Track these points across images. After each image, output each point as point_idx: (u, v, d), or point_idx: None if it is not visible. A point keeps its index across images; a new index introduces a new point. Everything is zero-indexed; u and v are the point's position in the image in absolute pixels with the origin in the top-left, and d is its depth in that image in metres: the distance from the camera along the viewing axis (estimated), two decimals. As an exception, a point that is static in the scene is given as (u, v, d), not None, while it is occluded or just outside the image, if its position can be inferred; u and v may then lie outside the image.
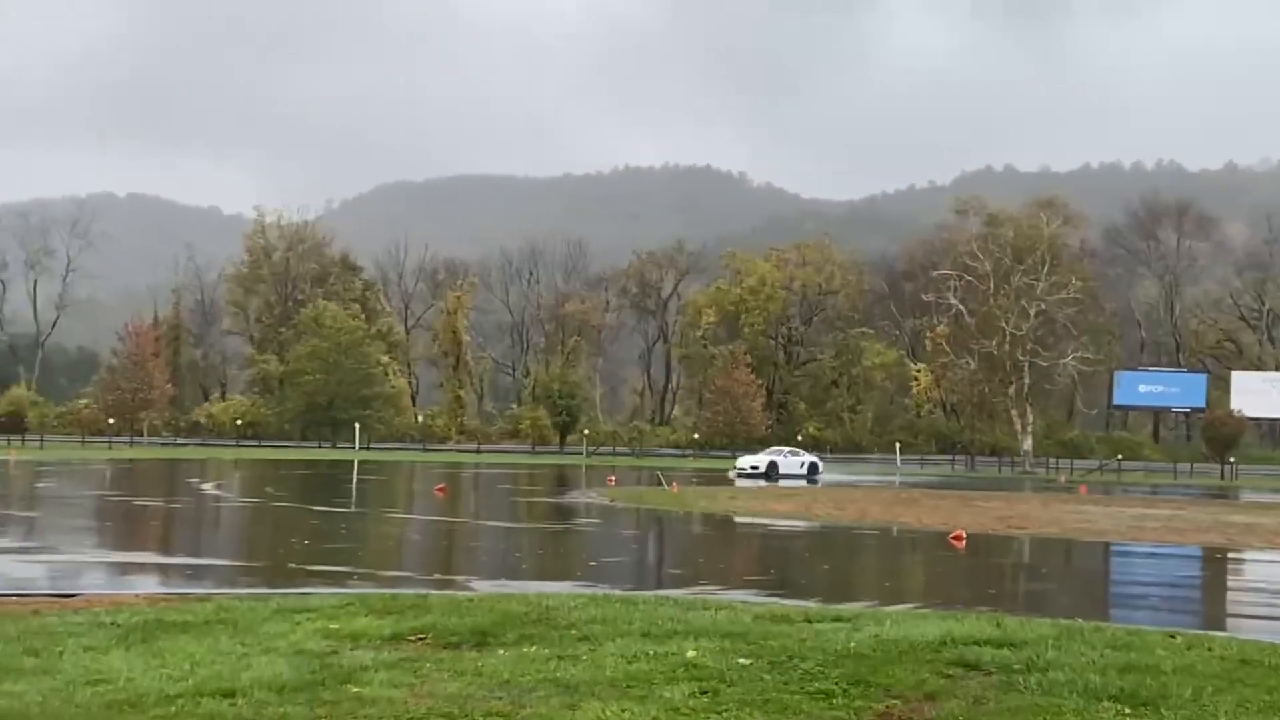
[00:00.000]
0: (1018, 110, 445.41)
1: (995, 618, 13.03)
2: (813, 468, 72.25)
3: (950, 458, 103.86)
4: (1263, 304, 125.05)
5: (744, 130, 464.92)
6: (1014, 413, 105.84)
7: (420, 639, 10.92)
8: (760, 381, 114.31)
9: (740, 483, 59.17)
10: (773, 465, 70.07)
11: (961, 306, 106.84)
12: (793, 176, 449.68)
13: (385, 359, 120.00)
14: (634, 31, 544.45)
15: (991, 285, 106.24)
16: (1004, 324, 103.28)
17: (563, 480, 60.55)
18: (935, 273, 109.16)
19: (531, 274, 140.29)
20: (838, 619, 12.67)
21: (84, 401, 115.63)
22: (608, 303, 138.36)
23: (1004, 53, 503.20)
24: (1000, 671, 9.96)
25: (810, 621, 12.38)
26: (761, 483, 59.67)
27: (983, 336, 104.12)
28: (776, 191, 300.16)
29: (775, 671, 9.59)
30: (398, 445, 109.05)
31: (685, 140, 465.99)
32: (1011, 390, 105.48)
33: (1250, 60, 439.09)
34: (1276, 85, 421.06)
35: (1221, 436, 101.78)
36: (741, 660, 9.94)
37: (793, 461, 72.17)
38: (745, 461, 72.10)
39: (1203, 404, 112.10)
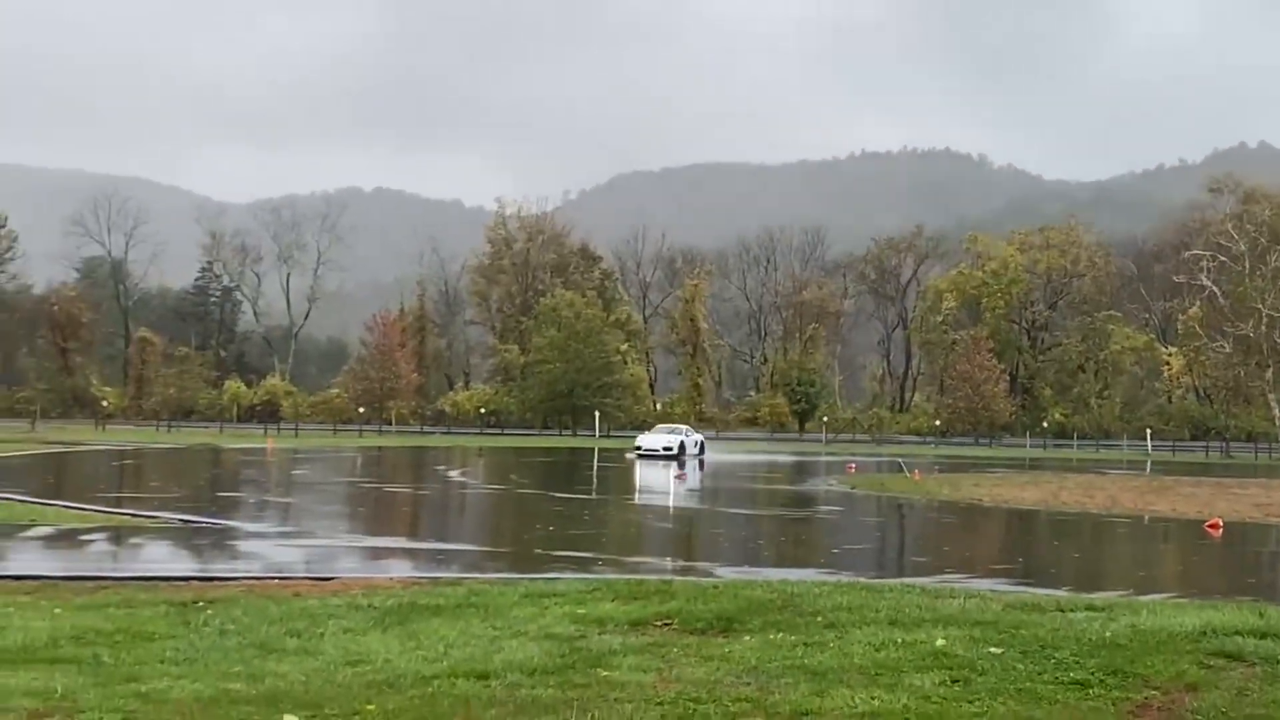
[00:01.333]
0: (1272, 84, 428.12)
1: (1258, 608, 12.54)
2: (701, 447, 67.74)
3: (1204, 444, 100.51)
4: None
5: (983, 112, 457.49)
6: (1271, 397, 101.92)
7: (666, 624, 10.98)
8: (1003, 367, 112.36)
9: (643, 466, 55.33)
10: (683, 446, 64.35)
11: (1215, 288, 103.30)
12: (1035, 158, 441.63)
13: (624, 347, 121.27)
14: (867, 16, 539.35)
15: (1247, 266, 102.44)
16: (1260, 305, 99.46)
17: (801, 467, 60.35)
18: (1187, 254, 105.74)
19: (769, 261, 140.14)
20: (1091, 608, 12.35)
21: (334, 391, 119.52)
22: (846, 289, 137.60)
23: (1254, 26, 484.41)
24: (1264, 663, 9.60)
25: (1062, 610, 12.10)
26: (672, 466, 55.99)
27: (1237, 319, 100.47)
28: (1018, 173, 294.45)
29: (1028, 661, 9.40)
30: (637, 432, 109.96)
31: (923, 123, 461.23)
32: (1269, 374, 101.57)
33: None
34: None
35: None
36: (992, 649, 9.76)
37: (691, 441, 66.61)
38: (649, 442, 64.84)
39: None
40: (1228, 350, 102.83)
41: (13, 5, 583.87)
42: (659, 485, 43.01)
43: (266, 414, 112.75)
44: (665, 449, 62.97)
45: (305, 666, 9.16)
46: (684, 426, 73.18)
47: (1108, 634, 10.51)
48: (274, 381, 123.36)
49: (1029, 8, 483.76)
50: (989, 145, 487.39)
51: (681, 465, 56.31)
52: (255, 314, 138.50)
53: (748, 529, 26.73)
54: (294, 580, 14.63)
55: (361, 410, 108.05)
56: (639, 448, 64.10)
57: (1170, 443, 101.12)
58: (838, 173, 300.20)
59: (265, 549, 20.22)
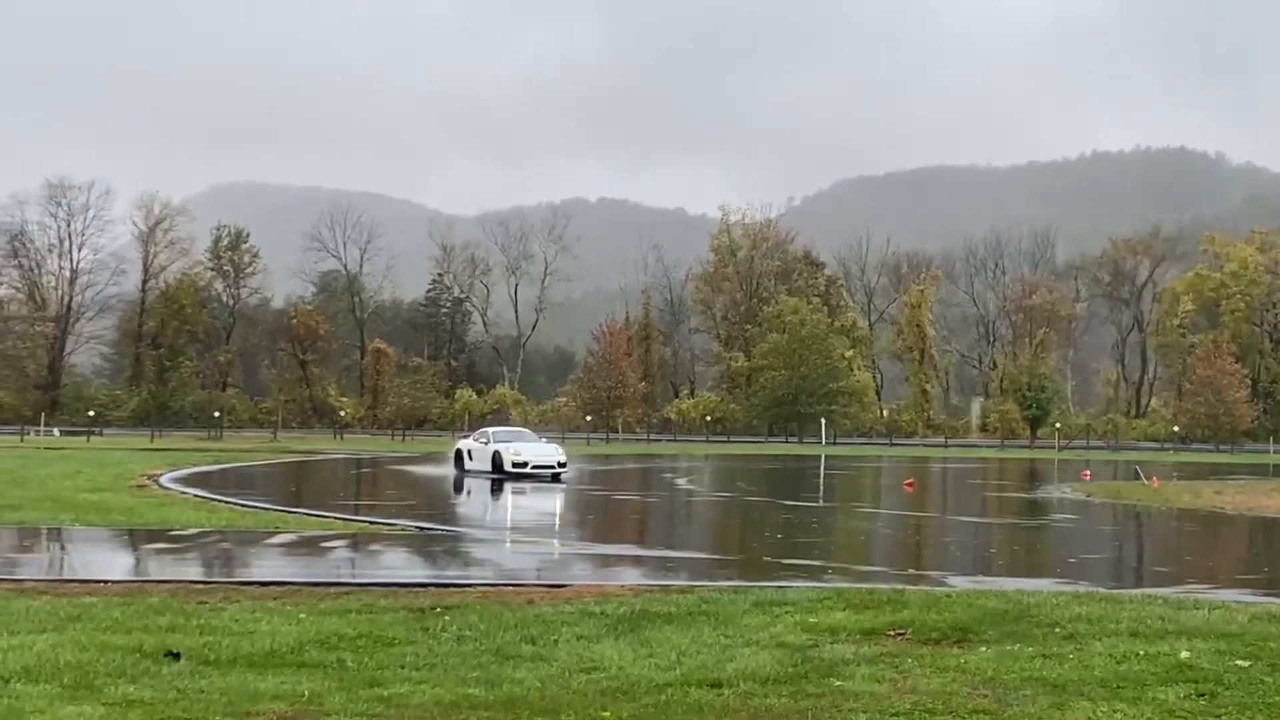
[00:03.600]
0: None
1: None
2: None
3: None
4: None
5: (1218, 108, 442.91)
6: None
7: (899, 634, 10.89)
8: (1244, 371, 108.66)
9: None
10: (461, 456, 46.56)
11: None
12: (1274, 154, 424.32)
13: (849, 353, 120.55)
14: (1091, 15, 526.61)
15: None
16: None
17: (1034, 475, 59.21)
18: None
19: (996, 265, 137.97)
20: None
21: (562, 399, 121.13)
22: (1078, 292, 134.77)
23: None
24: None
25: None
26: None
27: None
28: (1257, 170, 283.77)
29: (1277, 674, 9.10)
30: (863, 440, 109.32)
31: (1155, 122, 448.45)
32: None
33: None
34: None
35: None
36: (1239, 662, 9.48)
37: (535, 451, 44.36)
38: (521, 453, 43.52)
39: None
40: None
41: (257, 23, 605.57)
42: (885, 493, 42.64)
43: (497, 423, 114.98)
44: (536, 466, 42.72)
45: (541, 673, 9.31)
46: (523, 429, 55.91)
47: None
48: (503, 390, 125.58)
49: (1263, 3, 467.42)
50: (1225, 142, 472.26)
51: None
52: (485, 324, 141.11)
53: (979, 537, 26.35)
54: (527, 587, 14.88)
55: (589, 418, 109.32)
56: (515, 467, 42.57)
57: None
58: (1067, 174, 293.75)
59: (498, 555, 20.63)
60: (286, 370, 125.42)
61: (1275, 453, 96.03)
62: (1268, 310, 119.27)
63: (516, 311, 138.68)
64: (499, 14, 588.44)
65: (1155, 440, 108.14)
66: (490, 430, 47.99)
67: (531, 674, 9.29)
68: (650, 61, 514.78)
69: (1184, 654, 9.74)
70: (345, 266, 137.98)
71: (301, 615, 11.85)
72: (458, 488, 39.97)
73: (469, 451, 45.36)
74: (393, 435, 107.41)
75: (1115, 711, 7.99)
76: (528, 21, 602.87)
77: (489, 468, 42.84)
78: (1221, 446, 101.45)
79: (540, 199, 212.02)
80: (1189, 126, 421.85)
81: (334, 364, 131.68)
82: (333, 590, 14.02)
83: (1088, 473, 56.22)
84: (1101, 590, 14.89)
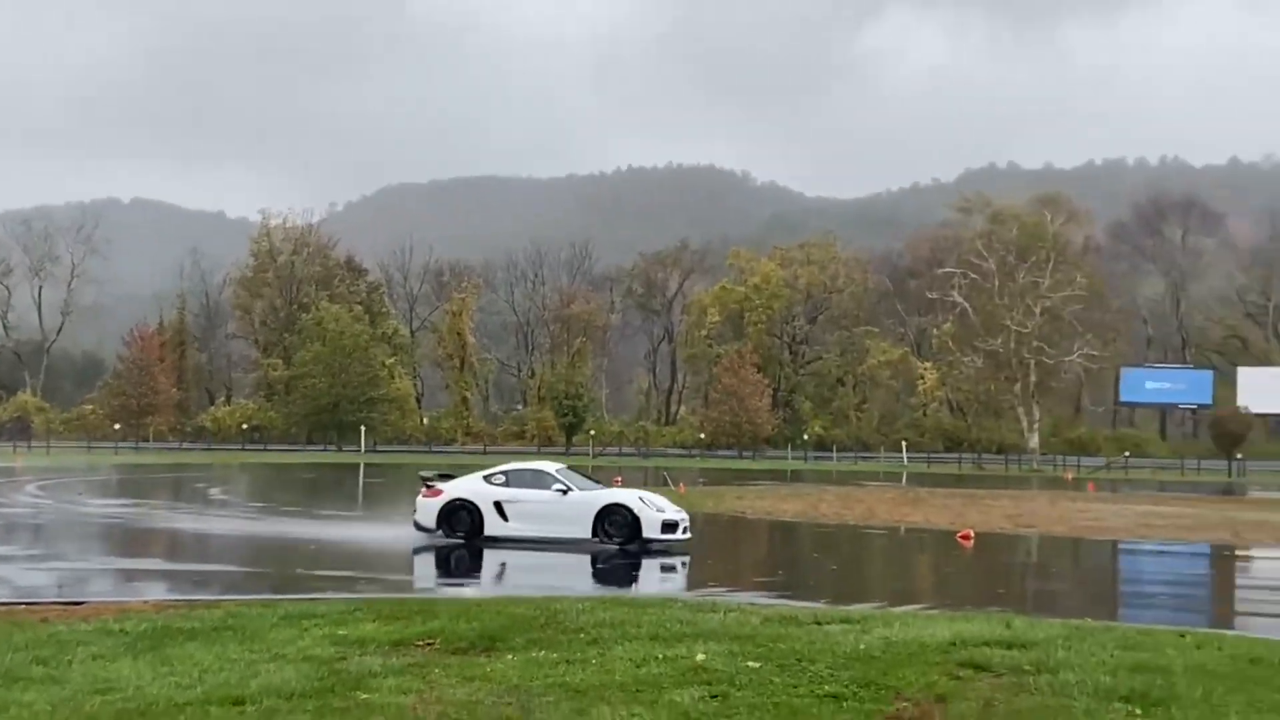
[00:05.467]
0: (1020, 108, 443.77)
1: (1005, 618, 13.02)
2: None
3: (957, 456, 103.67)
4: (1269, 299, 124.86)
5: (746, 130, 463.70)
6: (1020, 410, 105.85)
7: (428, 644, 10.91)
8: (766, 380, 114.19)
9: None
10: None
11: (966, 304, 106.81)
12: (796, 175, 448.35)
13: (390, 361, 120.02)
14: (635, 34, 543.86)
15: (996, 282, 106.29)
16: (1009, 321, 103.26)
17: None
18: (940, 270, 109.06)
19: (536, 275, 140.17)
20: (846, 621, 12.65)
21: (89, 407, 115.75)
22: (613, 303, 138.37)
23: (1004, 51, 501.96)
24: (1010, 673, 9.94)
25: (819, 624, 12.37)
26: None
27: (988, 334, 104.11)
28: (780, 190, 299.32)
29: (785, 674, 9.57)
30: (403, 448, 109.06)
31: (688, 141, 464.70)
32: (1017, 388, 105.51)
33: (1252, 58, 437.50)
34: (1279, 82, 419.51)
35: (1228, 433, 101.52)
36: (751, 663, 9.92)
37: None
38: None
39: (1209, 400, 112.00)
40: (979, 365, 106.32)
41: None
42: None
43: (17, 431, 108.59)
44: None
45: (52, 695, 8.85)
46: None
47: (861, 646, 10.77)
48: (24, 397, 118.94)
49: (793, 35, 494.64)
50: (752, 163, 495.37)
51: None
52: (4, 328, 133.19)
53: (512, 545, 26.62)
54: (42, 606, 14.13)
55: (118, 426, 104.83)
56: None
57: (925, 455, 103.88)
58: (605, 187, 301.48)
59: (11, 573, 19.51)
60: None
61: (794, 459, 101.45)
62: (787, 323, 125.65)
63: (40, 315, 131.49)
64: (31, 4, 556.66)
65: (684, 446, 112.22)
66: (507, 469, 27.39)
67: (41, 696, 8.81)
68: (193, 61, 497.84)
69: (700, 656, 10.12)
70: None
71: None
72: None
73: (499, 504, 25.67)
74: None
75: (633, 715, 8.22)
76: (59, 15, 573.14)
77: (580, 532, 25.03)
78: (744, 453, 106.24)
79: (69, 198, 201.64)
80: (719, 147, 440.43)
81: None
82: None
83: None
84: (627, 595, 15.36)
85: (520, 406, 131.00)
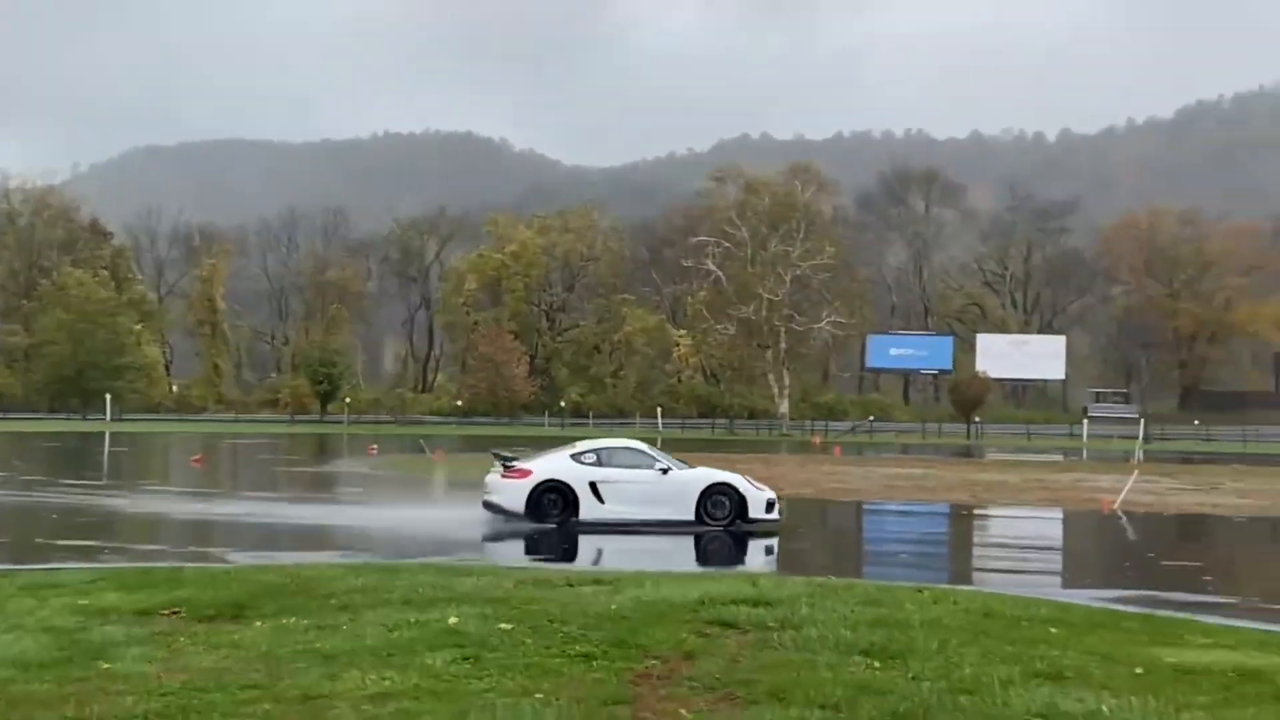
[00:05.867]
0: (772, 80, 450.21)
1: (752, 577, 13.33)
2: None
3: (710, 422, 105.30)
4: (1006, 269, 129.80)
5: (505, 97, 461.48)
6: (771, 377, 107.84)
7: (174, 613, 10.72)
8: (524, 348, 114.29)
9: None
10: None
11: (720, 273, 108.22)
12: (555, 144, 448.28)
13: (138, 328, 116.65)
14: (387, 4, 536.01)
15: (749, 252, 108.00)
16: (761, 290, 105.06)
17: (324, 449, 59.80)
18: (694, 239, 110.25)
19: (290, 241, 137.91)
20: (599, 582, 12.80)
21: None
22: (369, 270, 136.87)
23: (757, 23, 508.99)
24: (756, 630, 10.20)
25: (571, 585, 12.50)
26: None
27: (741, 302, 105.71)
28: (538, 158, 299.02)
29: (537, 636, 9.66)
30: (152, 416, 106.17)
31: (446, 107, 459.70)
32: (769, 355, 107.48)
33: (993, 36, 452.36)
34: (1018, 60, 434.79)
35: (967, 397, 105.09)
36: (503, 625, 9.99)
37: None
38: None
39: (950, 366, 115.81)
40: (732, 332, 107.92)
41: None
42: (173, 471, 41.72)
43: None
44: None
45: None
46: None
47: (613, 607, 10.93)
48: None
49: (546, 0, 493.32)
50: (510, 130, 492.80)
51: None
52: None
53: (263, 513, 26.23)
54: None
55: None
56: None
57: (680, 420, 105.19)
58: (361, 153, 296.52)
59: None
60: None
61: (550, 426, 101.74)
62: (544, 290, 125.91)
63: None
64: None
65: (441, 414, 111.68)
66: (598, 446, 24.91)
67: None
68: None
69: (453, 619, 10.15)
70: None
71: None
72: None
73: (594, 485, 23.25)
74: None
75: (385, 678, 8.21)
76: None
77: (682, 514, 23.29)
78: (501, 420, 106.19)
79: None
80: (477, 114, 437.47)
81: None
82: None
83: (374, 447, 57.46)
84: (380, 561, 15.27)
85: (274, 374, 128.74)
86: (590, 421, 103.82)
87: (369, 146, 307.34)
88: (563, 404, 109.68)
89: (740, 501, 23.01)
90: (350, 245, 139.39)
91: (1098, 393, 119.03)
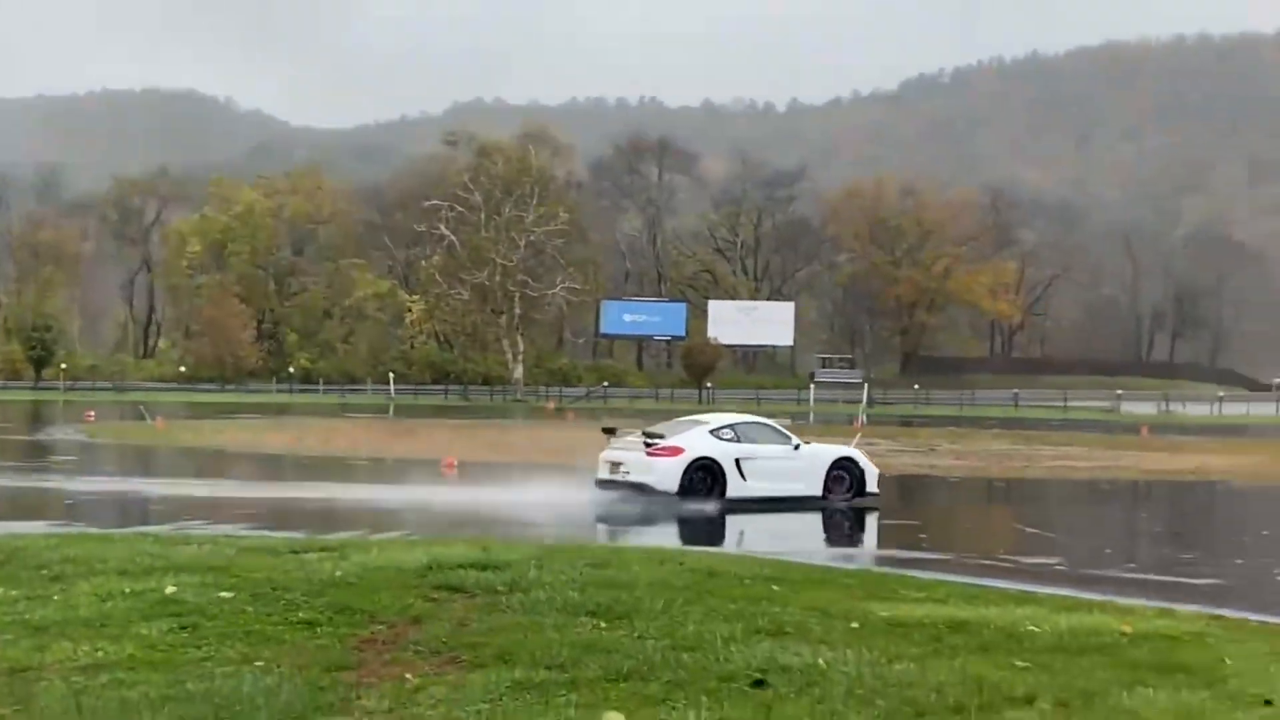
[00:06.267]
0: (507, 44, 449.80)
1: (482, 542, 13.31)
2: None
3: (444, 388, 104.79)
4: (737, 236, 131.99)
5: (229, 55, 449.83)
6: (505, 342, 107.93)
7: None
8: (251, 312, 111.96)
9: None
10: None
11: (453, 237, 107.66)
12: (282, 103, 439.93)
13: None
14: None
15: (482, 216, 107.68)
16: (495, 255, 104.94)
17: (38, 416, 57.67)
18: (427, 203, 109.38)
19: (1, 200, 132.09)
20: (324, 548, 12.63)
21: None
22: (86, 231, 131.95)
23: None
24: (484, 593, 10.19)
25: (296, 552, 12.29)
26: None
27: (474, 267, 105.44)
28: (265, 118, 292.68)
29: (258, 603, 9.47)
30: None
31: (166, 64, 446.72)
32: (503, 320, 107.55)
33: (727, 6, 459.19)
34: (751, 30, 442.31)
35: (699, 363, 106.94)
36: (223, 594, 9.76)
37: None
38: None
39: (683, 332, 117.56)
40: (465, 298, 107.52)
41: None
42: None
43: None
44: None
45: None
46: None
47: (338, 573, 10.78)
48: None
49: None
50: (235, 89, 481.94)
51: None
52: None
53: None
54: None
55: None
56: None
57: (413, 387, 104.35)
58: (77, 110, 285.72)
59: None
60: None
61: (278, 392, 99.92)
62: (271, 254, 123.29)
63: None
64: None
65: (164, 380, 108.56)
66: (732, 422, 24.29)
67: None
68: None
69: (170, 589, 9.86)
70: None
71: None
72: None
73: (739, 462, 22.50)
74: None
75: (97, 649, 7.94)
76: None
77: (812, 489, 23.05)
78: (228, 386, 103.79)
79: None
80: (200, 70, 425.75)
81: None
82: None
83: (91, 413, 55.58)
84: (96, 530, 14.81)
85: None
86: (320, 388, 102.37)
87: (85, 103, 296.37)
88: (291, 370, 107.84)
89: (860, 476, 22.95)
90: (66, 206, 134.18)
91: (824, 358, 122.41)
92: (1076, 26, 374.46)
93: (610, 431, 23.58)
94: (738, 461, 22.08)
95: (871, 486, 23.00)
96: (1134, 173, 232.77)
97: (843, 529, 21.57)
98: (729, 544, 18.99)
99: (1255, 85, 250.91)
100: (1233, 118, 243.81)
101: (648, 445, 22.16)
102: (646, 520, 21.01)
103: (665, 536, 19.06)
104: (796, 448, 22.89)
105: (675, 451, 21.84)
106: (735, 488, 21.90)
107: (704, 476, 21.78)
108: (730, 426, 23.06)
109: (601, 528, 20.56)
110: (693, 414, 28.66)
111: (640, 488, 21.87)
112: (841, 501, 22.61)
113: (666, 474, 21.60)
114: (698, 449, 22.00)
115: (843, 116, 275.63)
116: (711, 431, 22.69)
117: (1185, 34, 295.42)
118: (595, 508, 22.04)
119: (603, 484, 22.58)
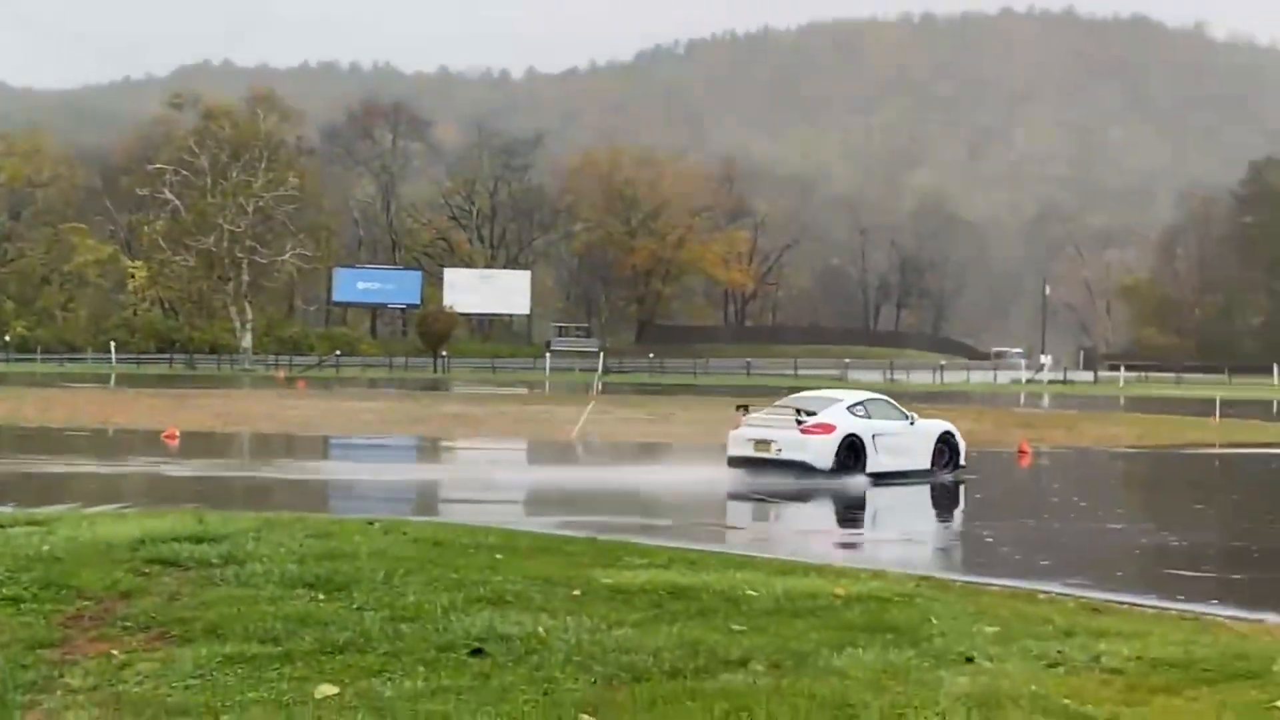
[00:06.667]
0: (237, 6, 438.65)
1: (198, 514, 13.01)
2: None
3: (169, 356, 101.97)
4: (472, 204, 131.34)
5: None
6: (233, 310, 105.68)
7: None
8: None
9: None
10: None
11: (179, 202, 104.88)
12: (1, 63, 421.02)
13: None
14: None
15: (209, 181, 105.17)
16: (222, 220, 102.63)
17: None
18: (151, 167, 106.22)
19: None
20: (33, 522, 12.22)
21: None
22: None
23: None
24: (199, 567, 10.00)
25: (3, 527, 11.84)
26: None
27: (200, 233, 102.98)
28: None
29: None
30: None
31: None
32: (230, 287, 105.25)
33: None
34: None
35: (434, 331, 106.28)
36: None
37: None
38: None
39: (418, 300, 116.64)
40: (191, 264, 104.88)
41: None
42: None
43: None
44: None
45: None
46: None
47: (45, 548, 10.42)
48: None
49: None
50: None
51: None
52: None
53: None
54: None
55: None
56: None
57: (136, 356, 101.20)
58: None
59: None
60: None
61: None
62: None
63: None
64: None
65: None
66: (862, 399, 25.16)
67: None
68: None
69: None
70: None
71: None
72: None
73: (875, 438, 23.30)
74: None
75: None
76: None
77: (923, 463, 23.98)
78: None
79: None
80: None
81: None
82: None
83: None
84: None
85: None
86: (38, 357, 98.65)
87: None
88: (8, 338, 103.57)
89: (956, 448, 24.01)
90: None
91: (560, 327, 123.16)
92: (808, 3, 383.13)
93: (744, 409, 24.11)
94: (874, 437, 22.97)
95: (963, 460, 24.23)
96: (863, 146, 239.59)
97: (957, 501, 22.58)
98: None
99: (978, 64, 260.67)
100: (955, 95, 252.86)
101: (799, 423, 22.50)
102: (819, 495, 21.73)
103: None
104: (912, 423, 23.93)
105: (828, 429, 22.49)
106: (872, 463, 22.74)
107: (850, 453, 22.57)
108: (861, 404, 23.95)
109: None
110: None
111: (794, 465, 22.36)
112: (946, 474, 23.77)
113: (822, 451, 22.26)
114: (846, 426, 22.74)
115: (579, 85, 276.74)
116: (848, 408, 23.49)
117: (912, 12, 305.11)
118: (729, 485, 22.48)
119: (742, 461, 22.97)
